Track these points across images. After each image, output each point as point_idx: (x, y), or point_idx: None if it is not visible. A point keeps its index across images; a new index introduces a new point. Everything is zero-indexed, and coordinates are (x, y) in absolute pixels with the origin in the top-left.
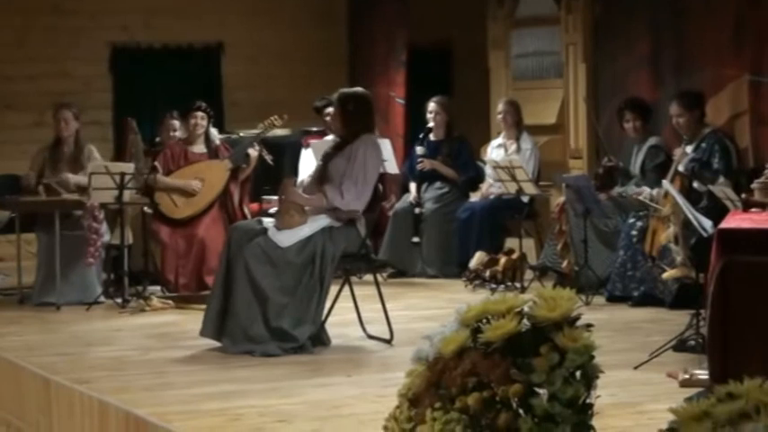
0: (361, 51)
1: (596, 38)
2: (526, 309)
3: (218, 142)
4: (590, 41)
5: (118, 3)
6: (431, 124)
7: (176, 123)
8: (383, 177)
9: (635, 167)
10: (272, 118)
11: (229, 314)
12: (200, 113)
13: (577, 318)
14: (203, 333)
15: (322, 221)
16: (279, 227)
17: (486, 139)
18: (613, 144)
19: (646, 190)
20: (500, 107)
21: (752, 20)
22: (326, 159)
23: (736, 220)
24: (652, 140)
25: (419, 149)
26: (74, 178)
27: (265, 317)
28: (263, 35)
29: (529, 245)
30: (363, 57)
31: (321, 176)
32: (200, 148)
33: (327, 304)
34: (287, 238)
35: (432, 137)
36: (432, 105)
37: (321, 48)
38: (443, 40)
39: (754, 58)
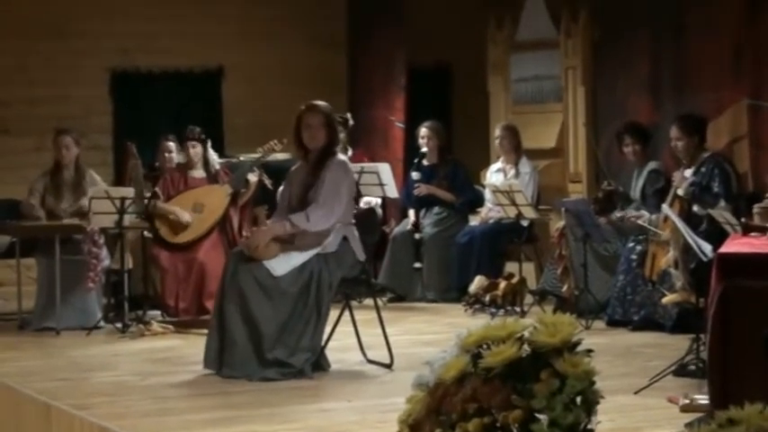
0: (360, 75)
1: (596, 62)
2: (526, 334)
3: (217, 167)
4: (589, 65)
5: (117, 27)
6: (424, 149)
7: (172, 146)
8: (384, 202)
9: (635, 192)
10: (271, 142)
11: (226, 345)
12: (191, 142)
13: (578, 343)
14: (206, 366)
15: (315, 249)
16: (258, 258)
17: (487, 163)
18: (613, 168)
19: (645, 214)
20: (497, 132)
21: (751, 44)
22: (307, 188)
23: (735, 245)
24: (652, 165)
25: (414, 175)
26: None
27: (259, 351)
28: (263, 59)
29: (529, 269)
30: (363, 81)
31: (302, 204)
32: (199, 173)
33: (327, 329)
34: (281, 267)
35: (426, 162)
36: (423, 131)
37: (321, 71)
38: (443, 64)
39: (753, 83)
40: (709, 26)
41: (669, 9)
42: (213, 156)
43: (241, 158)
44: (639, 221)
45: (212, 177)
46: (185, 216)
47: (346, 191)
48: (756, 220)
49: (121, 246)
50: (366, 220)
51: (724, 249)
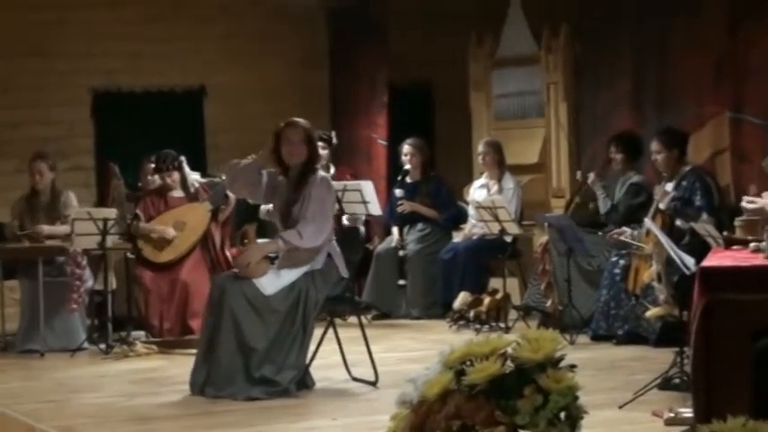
0: (342, 93)
1: (577, 76)
2: (510, 350)
3: (197, 185)
4: (571, 80)
5: (99, 47)
6: (407, 166)
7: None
8: (367, 219)
9: (618, 200)
10: (249, 157)
11: (212, 363)
12: (167, 172)
13: (561, 359)
14: (193, 392)
15: (303, 267)
16: (247, 276)
17: (469, 180)
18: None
19: (626, 230)
20: (480, 148)
21: (732, 57)
22: (290, 204)
23: (717, 258)
24: (635, 178)
25: (398, 192)
26: (47, 229)
27: (247, 368)
28: (245, 78)
29: (513, 285)
30: (345, 99)
31: (285, 220)
32: (178, 193)
33: (312, 347)
34: (271, 286)
35: (409, 179)
36: (406, 147)
37: (303, 90)
38: (424, 81)
39: (734, 96)
40: (691, 40)
41: (650, 24)
42: (191, 175)
43: (223, 177)
44: (622, 237)
45: (192, 196)
46: (170, 231)
47: (330, 207)
48: (738, 234)
49: (105, 267)
50: (349, 238)
51: (706, 263)
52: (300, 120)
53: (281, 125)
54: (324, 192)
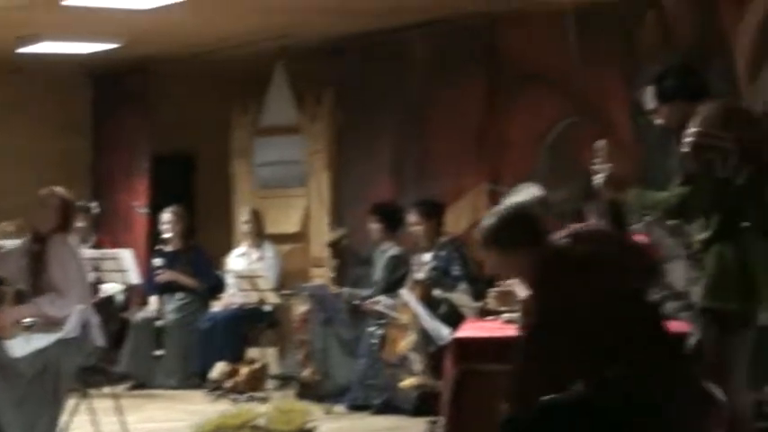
0: (103, 160)
1: (339, 146)
2: (262, 422)
3: None
4: (334, 149)
5: None
6: (166, 235)
7: None
8: (126, 288)
9: (377, 273)
10: (2, 224)
11: None
12: None
13: (311, 430)
14: None
15: (56, 334)
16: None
17: (229, 248)
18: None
19: (381, 299)
20: (245, 216)
21: (491, 130)
22: (37, 272)
23: (470, 329)
24: (393, 251)
25: (157, 261)
26: None
27: None
28: (2, 143)
29: (271, 354)
30: (106, 165)
31: (35, 286)
32: None
33: (64, 418)
34: (20, 348)
35: (169, 247)
36: (166, 216)
37: (63, 156)
38: (187, 149)
39: (493, 167)
40: (451, 111)
41: (411, 94)
42: None
43: None
44: (377, 307)
45: None
46: None
47: (76, 267)
48: (491, 305)
49: None
50: (104, 308)
51: (459, 334)
52: (58, 188)
53: (40, 193)
54: (64, 255)
